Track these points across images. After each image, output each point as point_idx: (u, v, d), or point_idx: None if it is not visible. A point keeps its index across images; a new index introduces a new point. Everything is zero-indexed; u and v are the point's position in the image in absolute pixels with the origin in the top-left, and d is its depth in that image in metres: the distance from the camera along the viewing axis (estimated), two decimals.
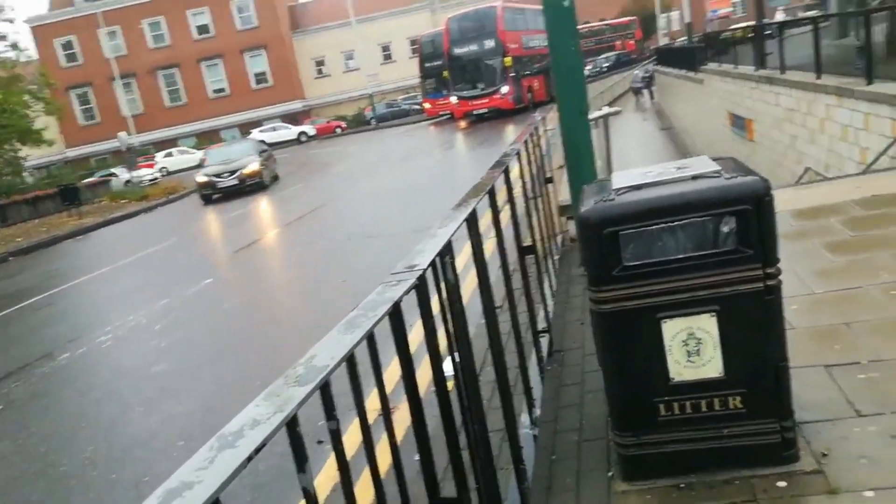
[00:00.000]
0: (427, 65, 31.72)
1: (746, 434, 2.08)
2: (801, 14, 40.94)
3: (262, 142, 23.99)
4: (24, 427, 4.99)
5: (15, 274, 12.77)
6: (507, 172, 3.21)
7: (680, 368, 2.08)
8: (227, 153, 19.64)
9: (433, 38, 32.43)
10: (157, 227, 16.49)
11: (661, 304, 2.07)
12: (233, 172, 17.86)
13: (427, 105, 33.24)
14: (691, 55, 23.25)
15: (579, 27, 5.08)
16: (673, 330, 2.07)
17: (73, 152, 45.63)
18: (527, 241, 3.82)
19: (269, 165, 19.62)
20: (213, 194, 17.92)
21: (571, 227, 5.85)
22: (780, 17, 37.92)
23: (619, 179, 2.33)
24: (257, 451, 0.84)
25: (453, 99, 27.38)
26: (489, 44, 26.34)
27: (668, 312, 2.06)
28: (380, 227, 10.00)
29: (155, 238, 13.48)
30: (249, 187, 17.88)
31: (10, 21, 23.99)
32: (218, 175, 17.98)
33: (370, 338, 1.22)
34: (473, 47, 26.81)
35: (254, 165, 18.19)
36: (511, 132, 20.00)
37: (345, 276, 7.41)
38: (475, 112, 26.66)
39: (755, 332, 2.03)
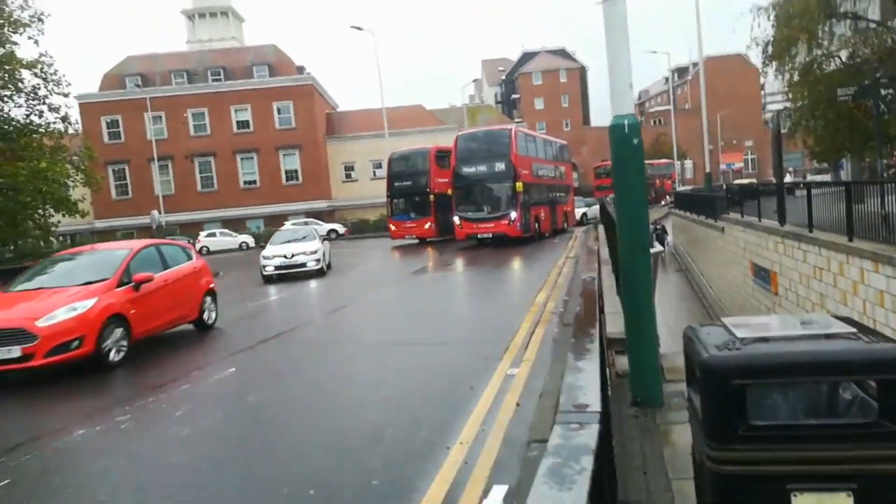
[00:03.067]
0: (396, 184, 29.86)
1: None
2: (809, 177, 42.26)
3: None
4: None
5: None
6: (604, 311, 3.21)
7: None
8: (291, 237, 21.11)
9: (406, 156, 30.73)
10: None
11: (792, 475, 1.93)
12: (296, 260, 18.98)
13: (392, 227, 30.40)
14: (711, 203, 23.95)
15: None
16: None
17: (101, 223, 46.61)
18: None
19: (326, 255, 20.58)
20: (273, 275, 18.93)
21: (619, 362, 5.77)
22: (788, 178, 39.23)
23: (739, 328, 2.27)
24: None
25: (456, 219, 25.39)
26: (500, 166, 24.74)
27: (799, 485, 1.91)
28: (404, 335, 10.03)
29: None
30: (306, 273, 18.92)
31: (66, 95, 24.92)
32: (283, 261, 18.96)
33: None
34: (482, 168, 25.10)
35: (316, 250, 19.43)
36: (516, 263, 19.30)
37: (375, 380, 7.29)
38: (479, 236, 24.95)
39: None
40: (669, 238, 33.99)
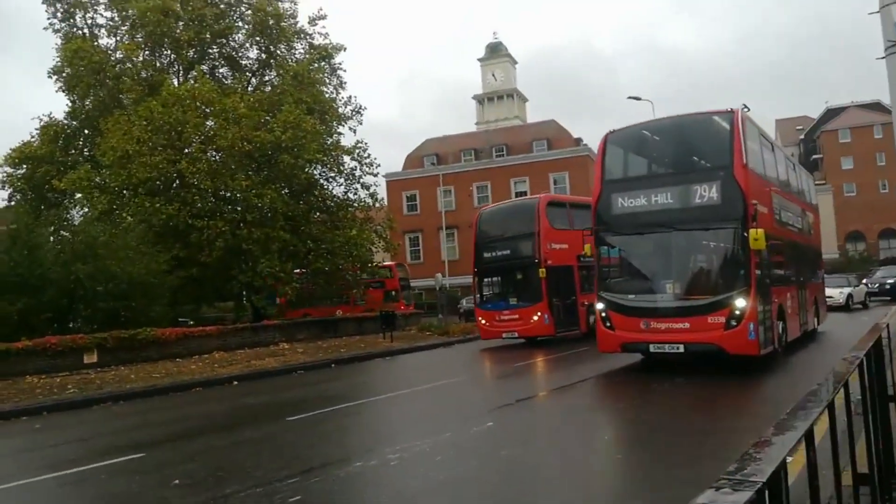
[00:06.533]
0: (486, 255, 19.73)
1: None
2: None
3: None
4: None
5: (334, 379, 14.81)
6: (846, 386, 2.80)
7: None
8: None
9: (503, 213, 20.84)
10: (451, 361, 17.89)
11: None
12: None
13: (481, 320, 20.09)
14: None
15: None
16: None
17: None
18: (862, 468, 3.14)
19: None
20: None
21: None
22: None
23: None
24: None
25: (599, 306, 12.29)
26: (710, 192, 11.24)
27: None
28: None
29: (447, 372, 14.57)
30: None
31: (375, 175, 29.20)
32: None
33: None
34: (667, 198, 11.64)
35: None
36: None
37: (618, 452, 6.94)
38: (652, 346, 11.42)
39: None
40: None
